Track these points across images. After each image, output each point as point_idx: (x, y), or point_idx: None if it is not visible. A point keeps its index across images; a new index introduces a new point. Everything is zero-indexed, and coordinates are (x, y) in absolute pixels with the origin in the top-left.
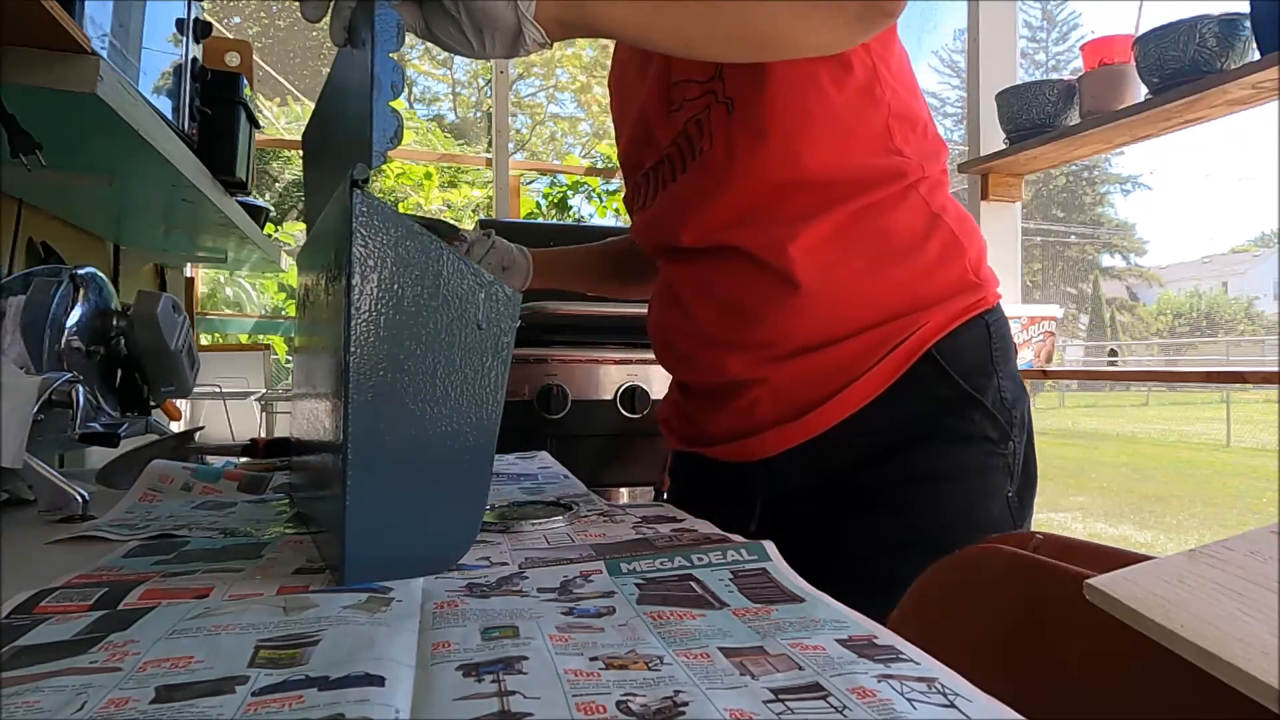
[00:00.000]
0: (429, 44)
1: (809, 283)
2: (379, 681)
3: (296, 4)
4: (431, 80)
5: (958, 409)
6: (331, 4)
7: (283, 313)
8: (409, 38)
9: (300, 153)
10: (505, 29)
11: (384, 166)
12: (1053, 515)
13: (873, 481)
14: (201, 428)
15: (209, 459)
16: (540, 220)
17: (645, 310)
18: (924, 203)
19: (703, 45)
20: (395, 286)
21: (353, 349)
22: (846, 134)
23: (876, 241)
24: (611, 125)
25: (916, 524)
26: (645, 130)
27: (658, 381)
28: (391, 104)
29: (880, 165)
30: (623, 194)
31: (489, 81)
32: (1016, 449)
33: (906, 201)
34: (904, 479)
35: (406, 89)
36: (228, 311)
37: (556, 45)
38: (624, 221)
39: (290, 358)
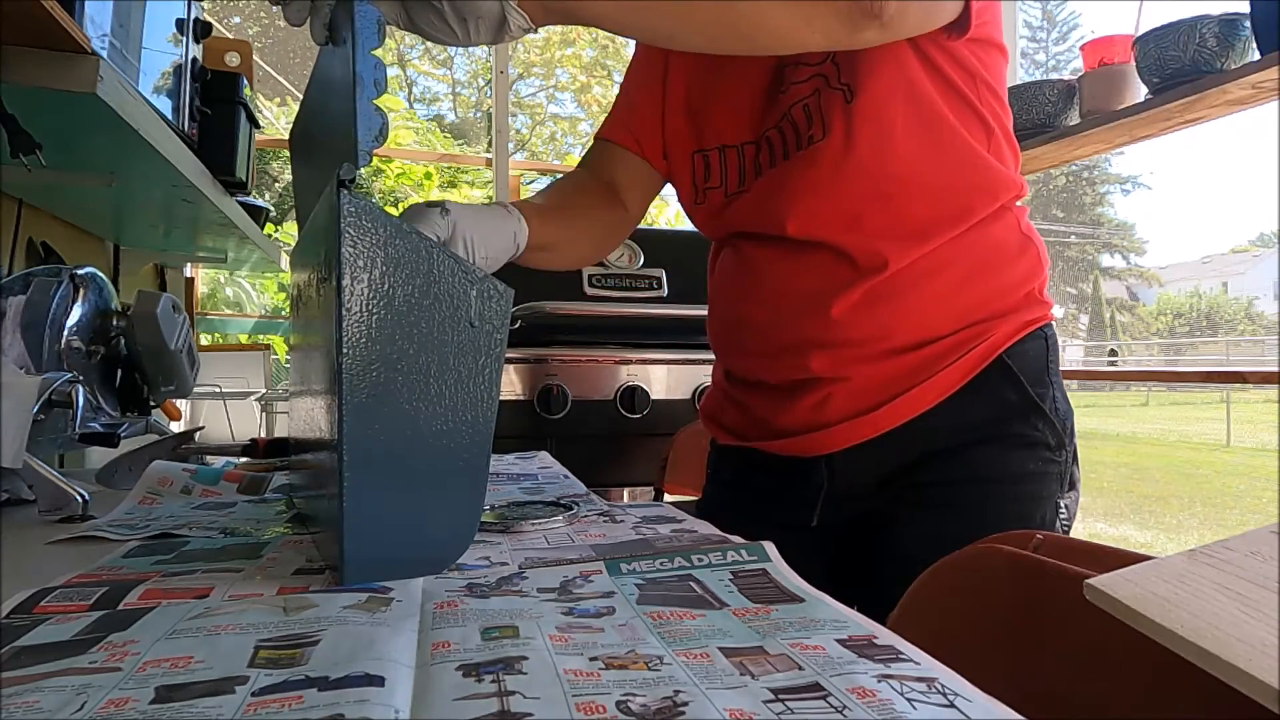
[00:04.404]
0: (430, 44)
1: (906, 293)
2: (379, 682)
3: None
4: (431, 80)
5: (1023, 414)
6: (311, 2)
7: (282, 313)
8: (408, 37)
9: None
10: (489, 15)
11: (384, 166)
12: None
13: (933, 480)
14: (201, 428)
15: (209, 459)
16: None
17: (645, 311)
18: (1016, 222)
19: (686, 35)
20: (386, 286)
21: (345, 350)
22: (963, 144)
23: (974, 257)
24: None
25: (973, 524)
26: (737, 105)
27: (657, 381)
28: (376, 101)
29: (983, 179)
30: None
31: (489, 81)
32: (1067, 457)
33: (1003, 220)
34: (964, 479)
35: (406, 89)
36: (228, 311)
37: (556, 45)
38: None
39: (289, 357)
